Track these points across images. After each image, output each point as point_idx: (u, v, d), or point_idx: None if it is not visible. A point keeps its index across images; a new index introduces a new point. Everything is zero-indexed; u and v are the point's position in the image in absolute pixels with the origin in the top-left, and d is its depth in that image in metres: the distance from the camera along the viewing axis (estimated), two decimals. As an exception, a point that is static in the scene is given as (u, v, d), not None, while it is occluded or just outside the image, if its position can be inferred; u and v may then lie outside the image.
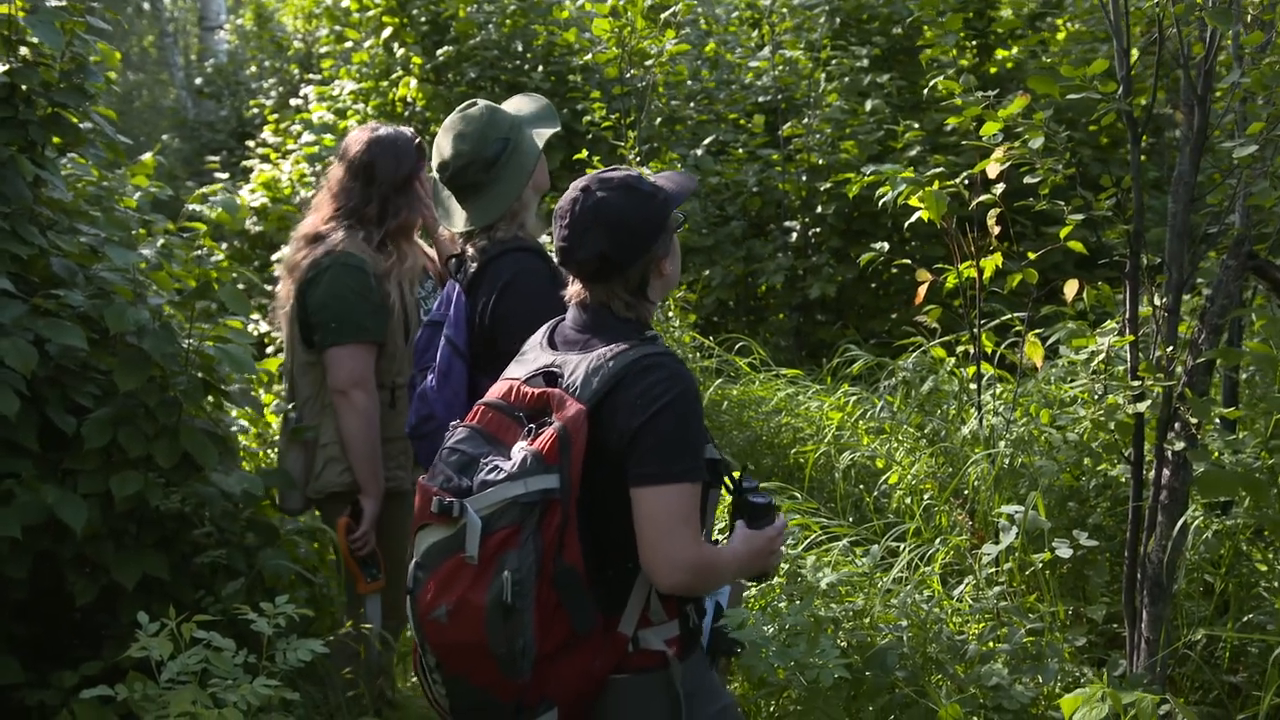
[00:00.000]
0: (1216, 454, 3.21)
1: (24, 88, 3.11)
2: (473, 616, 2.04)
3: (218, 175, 10.09)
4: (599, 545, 2.16)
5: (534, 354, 2.31)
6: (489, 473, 2.08)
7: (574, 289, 2.32)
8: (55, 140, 3.27)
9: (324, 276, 3.36)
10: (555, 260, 2.33)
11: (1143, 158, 2.99)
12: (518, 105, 3.11)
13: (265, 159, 9.37)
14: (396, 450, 3.46)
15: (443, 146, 2.96)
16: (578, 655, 2.15)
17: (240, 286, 7.56)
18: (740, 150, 7.25)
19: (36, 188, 3.17)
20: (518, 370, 2.29)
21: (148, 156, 4.20)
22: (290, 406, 3.51)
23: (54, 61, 3.20)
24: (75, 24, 3.21)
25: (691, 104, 7.84)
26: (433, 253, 3.66)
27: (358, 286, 3.35)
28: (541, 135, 3.01)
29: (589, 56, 6.09)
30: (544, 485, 2.05)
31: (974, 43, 7.14)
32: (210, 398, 3.40)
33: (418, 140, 3.54)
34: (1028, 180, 3.26)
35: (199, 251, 3.56)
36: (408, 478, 3.46)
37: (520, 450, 2.09)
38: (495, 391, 2.27)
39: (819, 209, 6.86)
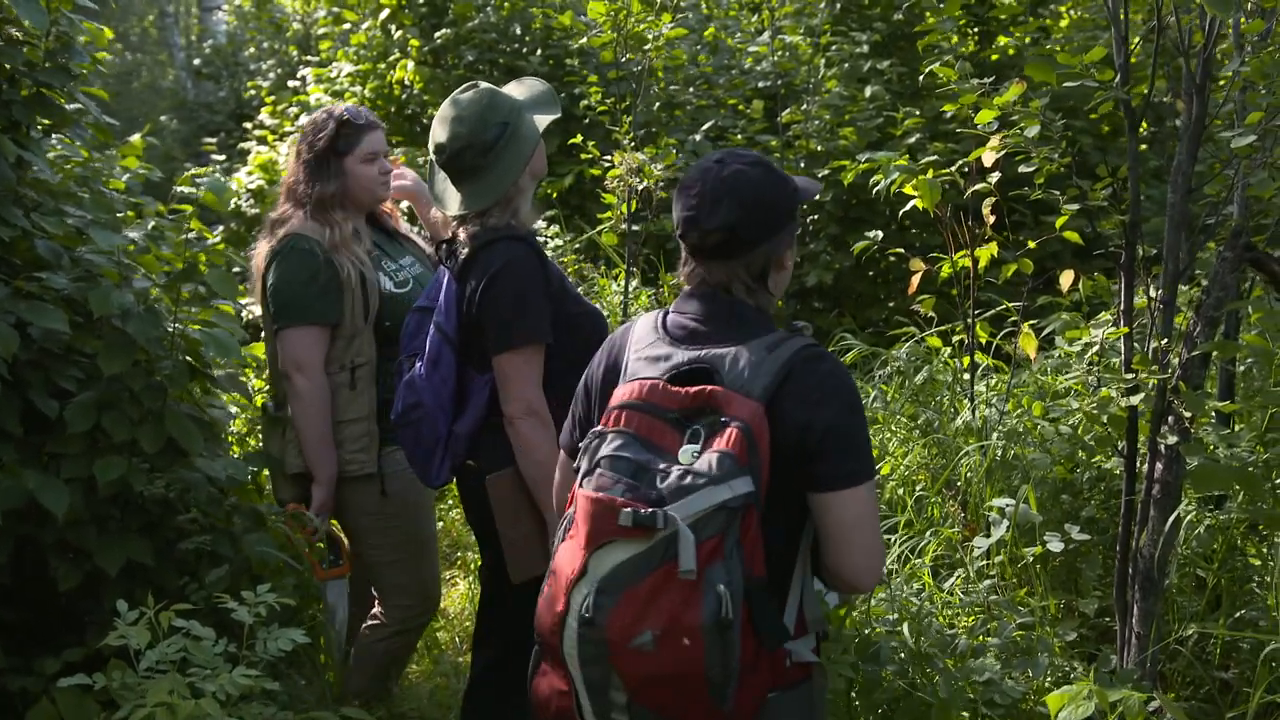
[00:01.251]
0: (1211, 448, 3.18)
1: (8, 67, 3.07)
2: (688, 640, 1.83)
3: (215, 157, 10.07)
4: (767, 553, 1.97)
5: (658, 349, 2.08)
6: (682, 478, 1.88)
7: (686, 271, 2.14)
8: (41, 121, 3.24)
9: (276, 262, 3.36)
10: (676, 232, 2.15)
11: (1143, 147, 2.96)
12: (518, 89, 3.06)
13: (262, 141, 9.33)
14: (359, 432, 3.37)
15: (440, 128, 2.91)
16: (755, 675, 1.95)
17: (235, 270, 7.54)
18: (739, 136, 7.21)
19: (20, 169, 3.13)
20: (648, 368, 2.06)
21: (136, 138, 4.16)
22: (267, 390, 3.50)
23: (39, 41, 3.16)
24: (62, 2, 3.17)
25: (690, 89, 7.80)
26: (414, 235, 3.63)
27: (304, 268, 3.32)
28: (541, 121, 2.96)
29: (584, 40, 6.04)
30: (746, 488, 1.87)
31: (975, 29, 7.09)
32: (196, 383, 3.37)
33: (344, 116, 3.44)
34: (1023, 169, 3.22)
35: (188, 234, 3.52)
36: (369, 461, 3.40)
37: (707, 453, 1.90)
38: (631, 392, 2.02)
39: (816, 196, 6.82)
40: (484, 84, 2.97)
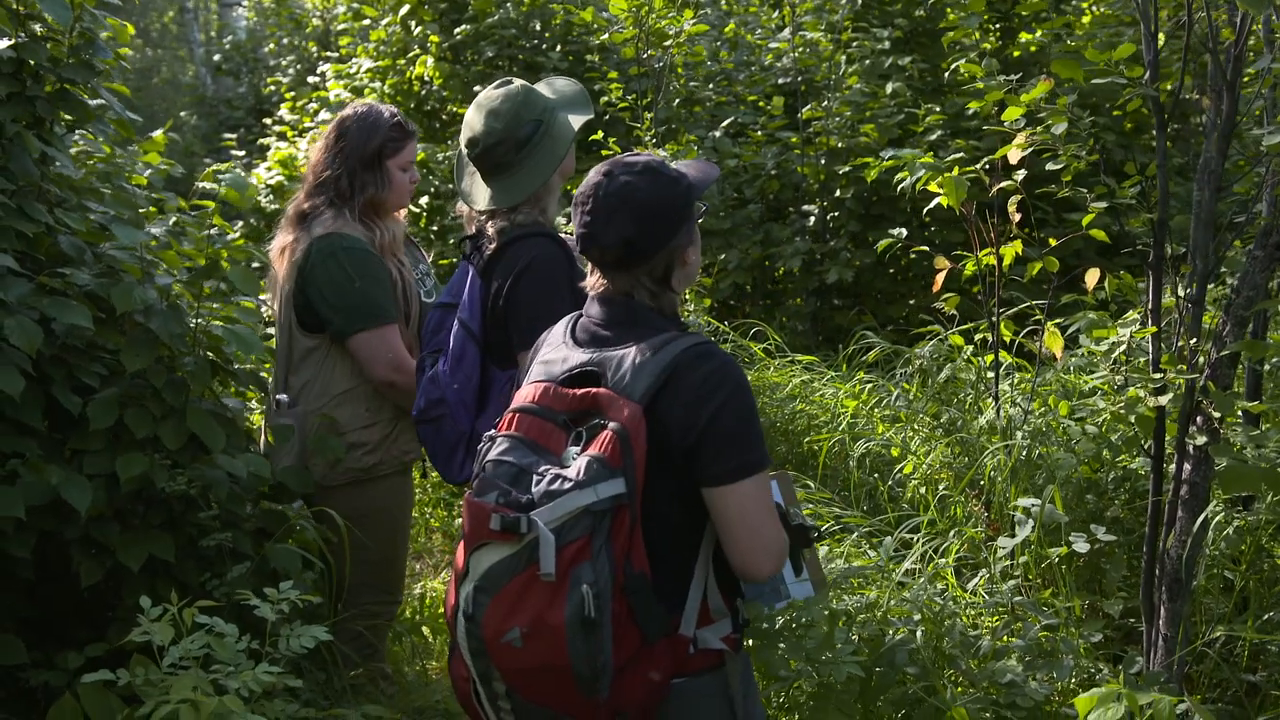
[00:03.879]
0: (1239, 448, 3.15)
1: (31, 63, 3.07)
2: (552, 637, 1.94)
3: (235, 152, 10.09)
4: (653, 547, 2.07)
5: (560, 352, 2.20)
6: (551, 483, 1.98)
7: (593, 280, 2.23)
8: (64, 117, 3.24)
9: (329, 263, 3.30)
10: (576, 248, 2.24)
11: (1168, 144, 2.93)
12: (553, 88, 3.05)
13: (282, 137, 9.35)
14: (378, 435, 3.43)
15: (474, 122, 2.90)
16: (645, 664, 2.06)
17: (255, 265, 7.55)
18: (759, 133, 7.19)
19: (44, 165, 3.13)
20: (546, 371, 2.18)
21: (158, 134, 4.16)
22: (282, 396, 3.46)
23: (62, 37, 3.16)
24: (85, -1, 3.17)
25: (710, 85, 7.77)
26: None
27: (364, 267, 3.30)
28: (575, 121, 2.95)
29: (606, 36, 6.02)
30: (613, 491, 1.97)
31: (997, 25, 7.04)
32: (218, 379, 3.36)
33: (396, 119, 3.43)
34: (1050, 167, 3.19)
35: (210, 230, 3.52)
36: (382, 461, 3.43)
37: (578, 456, 2.00)
38: (526, 396, 2.15)
39: (837, 193, 6.79)
40: (518, 81, 2.96)
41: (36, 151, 3.05)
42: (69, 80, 3.16)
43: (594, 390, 2.07)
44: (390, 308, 3.34)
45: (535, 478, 2.01)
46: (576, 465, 1.98)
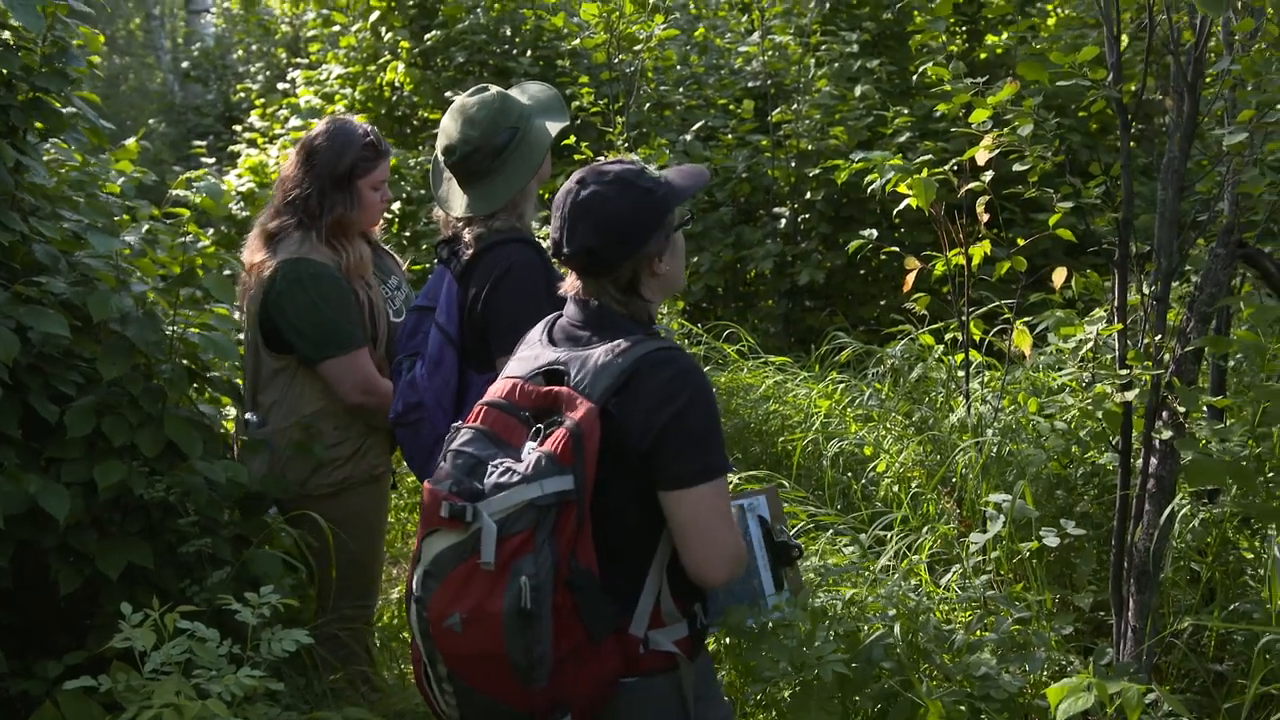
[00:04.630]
0: (1204, 442, 3.21)
1: (4, 71, 3.07)
2: (489, 625, 1.99)
3: (204, 160, 10.05)
4: (609, 546, 2.10)
5: (534, 350, 2.24)
6: (501, 475, 2.02)
7: (570, 282, 2.27)
8: (37, 125, 3.24)
9: (295, 290, 3.28)
10: (550, 252, 2.29)
11: (1133, 144, 2.99)
12: (528, 94, 3.06)
13: (252, 144, 9.32)
14: (347, 451, 3.45)
15: (450, 130, 2.91)
16: (590, 660, 2.09)
17: (227, 273, 7.53)
18: (729, 136, 7.24)
19: (17, 173, 3.13)
20: (518, 368, 2.23)
21: (131, 142, 4.15)
22: (251, 415, 3.46)
23: (35, 45, 3.16)
24: (57, 7, 3.17)
25: (681, 89, 7.81)
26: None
27: (332, 293, 3.29)
28: (552, 128, 2.96)
29: (576, 41, 6.05)
30: (559, 487, 2.00)
31: (964, 28, 7.12)
32: (195, 386, 3.37)
33: (368, 138, 3.37)
34: (1016, 168, 3.24)
35: (184, 238, 3.52)
36: (352, 473, 3.45)
37: (532, 451, 2.04)
38: (496, 390, 2.20)
39: (808, 195, 6.85)
40: (494, 87, 2.97)
41: (11, 160, 3.05)
42: (42, 89, 3.16)
43: (556, 388, 2.11)
44: (357, 333, 3.34)
45: (490, 469, 2.05)
46: (527, 460, 2.02)
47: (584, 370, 2.10)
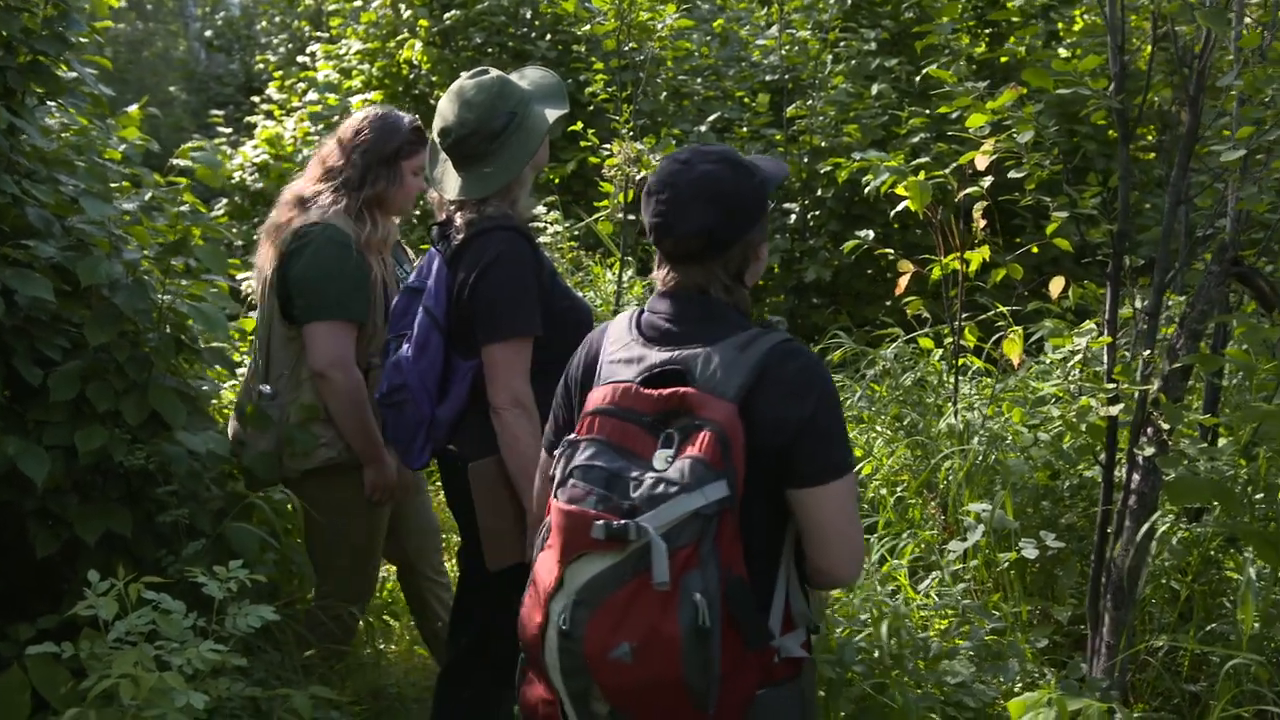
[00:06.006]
0: (1187, 461, 3.18)
1: (3, 34, 3.06)
2: (665, 649, 1.81)
3: (222, 129, 10.08)
4: (747, 551, 1.94)
5: (631, 351, 2.05)
6: (654, 487, 1.85)
7: (661, 275, 2.10)
8: (35, 89, 3.23)
9: (307, 249, 3.28)
10: (649, 238, 2.10)
11: (1150, 155, 2.96)
12: (529, 78, 3.04)
13: (270, 115, 9.33)
14: None
15: (447, 112, 2.89)
16: (744, 673, 1.93)
17: (239, 244, 7.52)
18: (743, 129, 7.21)
19: (12, 136, 3.13)
20: (620, 371, 2.03)
21: (134, 108, 4.15)
22: (265, 387, 3.45)
23: (36, 8, 3.16)
24: (61, -30, 3.17)
25: (699, 80, 7.78)
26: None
27: (340, 261, 3.29)
28: (550, 115, 2.94)
29: (588, 28, 6.03)
30: (720, 494, 1.84)
31: (987, 31, 7.06)
32: (183, 356, 3.37)
33: (415, 125, 3.44)
34: (1013, 174, 3.22)
35: (181, 207, 3.52)
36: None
37: (675, 458, 1.87)
38: (604, 397, 1.99)
39: (819, 192, 6.82)
40: (494, 70, 2.95)
41: (4, 123, 3.05)
42: (41, 52, 3.16)
43: (681, 390, 1.93)
44: (355, 307, 3.32)
45: (632, 483, 1.88)
46: (678, 467, 1.86)
47: (709, 368, 1.94)
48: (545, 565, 1.95)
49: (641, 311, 2.13)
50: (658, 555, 1.79)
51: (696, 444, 1.86)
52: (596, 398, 2.01)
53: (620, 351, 2.06)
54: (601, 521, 1.83)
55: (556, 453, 2.01)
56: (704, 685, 1.83)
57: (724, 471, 1.85)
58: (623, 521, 1.82)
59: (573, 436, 1.99)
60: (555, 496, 1.96)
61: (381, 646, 3.96)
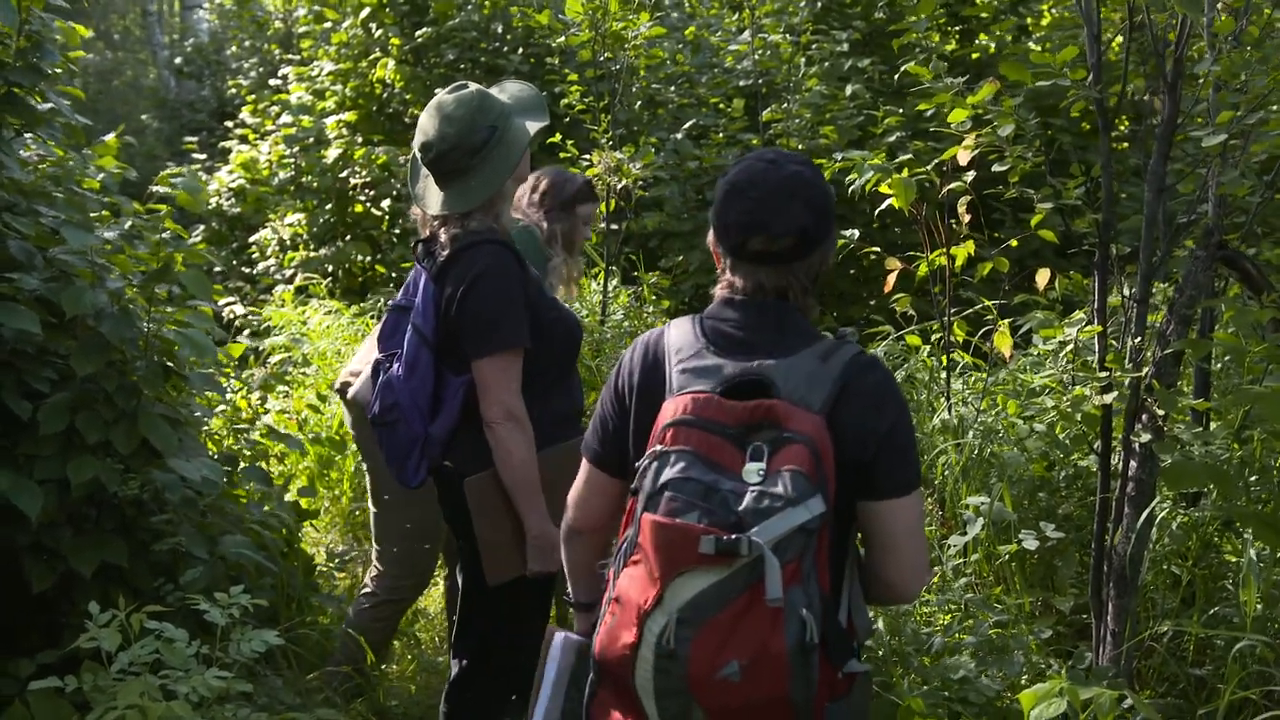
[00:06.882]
0: (1180, 446, 3.20)
1: (-22, 66, 3.05)
2: (774, 667, 1.76)
3: (196, 155, 10.04)
4: (832, 566, 1.92)
5: (704, 360, 1.97)
6: (758, 500, 1.79)
7: (728, 279, 2.04)
8: (11, 121, 3.21)
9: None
10: (734, 237, 2.01)
11: (1124, 145, 2.97)
12: (509, 92, 3.03)
13: (244, 140, 9.31)
14: None
15: (428, 127, 2.88)
16: (821, 689, 1.88)
17: (217, 268, 7.48)
18: (720, 135, 7.22)
19: (-9, 169, 3.11)
20: (694, 381, 1.95)
21: (111, 137, 4.13)
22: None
23: (9, 40, 3.14)
24: (33, 1, 3.15)
25: (673, 88, 7.79)
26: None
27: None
28: (531, 127, 2.94)
29: (562, 39, 6.03)
30: (820, 508, 1.79)
31: (957, 28, 7.10)
32: (172, 383, 3.35)
33: (589, 181, 3.91)
34: (996, 168, 3.23)
35: (163, 235, 3.50)
36: None
37: (779, 471, 1.81)
38: (683, 408, 1.90)
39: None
40: (474, 85, 2.95)
41: (-17, 155, 3.04)
42: (16, 84, 3.14)
43: (768, 401, 1.87)
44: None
45: (730, 496, 1.81)
46: (780, 480, 1.80)
47: (793, 379, 1.89)
48: (638, 583, 1.86)
49: (703, 319, 2.05)
50: (771, 571, 1.74)
51: (789, 457, 1.81)
52: (674, 408, 1.92)
53: (692, 360, 1.99)
54: (710, 536, 1.77)
55: (640, 464, 1.91)
56: (805, 700, 1.80)
57: (819, 485, 1.81)
58: (734, 535, 1.76)
59: (659, 448, 1.89)
60: (646, 510, 1.87)
61: (384, 667, 3.93)
